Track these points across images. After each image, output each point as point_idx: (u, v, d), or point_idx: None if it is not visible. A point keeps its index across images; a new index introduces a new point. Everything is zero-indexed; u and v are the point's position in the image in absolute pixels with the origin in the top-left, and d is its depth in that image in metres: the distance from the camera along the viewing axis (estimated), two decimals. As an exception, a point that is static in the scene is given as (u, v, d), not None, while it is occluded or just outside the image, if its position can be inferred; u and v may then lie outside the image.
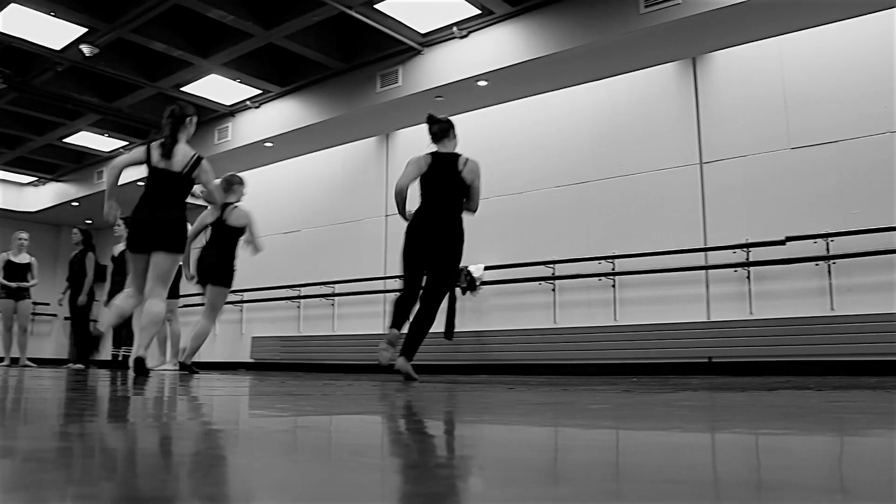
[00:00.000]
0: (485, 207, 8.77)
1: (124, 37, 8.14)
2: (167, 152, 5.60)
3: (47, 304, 14.98)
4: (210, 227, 7.30)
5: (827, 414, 2.15)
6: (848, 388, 3.63)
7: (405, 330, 5.37)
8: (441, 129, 5.54)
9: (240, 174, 7.69)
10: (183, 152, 5.64)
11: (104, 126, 11.15)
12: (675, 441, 1.49)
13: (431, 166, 5.41)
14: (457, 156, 5.46)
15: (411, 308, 5.39)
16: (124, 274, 9.23)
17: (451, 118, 5.69)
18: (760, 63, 7.12)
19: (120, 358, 9.31)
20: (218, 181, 6.63)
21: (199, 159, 5.68)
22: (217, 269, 7.19)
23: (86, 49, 8.18)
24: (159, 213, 5.51)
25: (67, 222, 14.95)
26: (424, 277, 5.46)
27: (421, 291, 5.44)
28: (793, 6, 6.27)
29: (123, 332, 9.35)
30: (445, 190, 5.39)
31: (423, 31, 7.96)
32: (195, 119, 5.89)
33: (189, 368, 7.40)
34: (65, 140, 11.78)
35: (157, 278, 5.53)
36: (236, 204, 7.34)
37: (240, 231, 7.24)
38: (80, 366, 9.86)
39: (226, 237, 7.19)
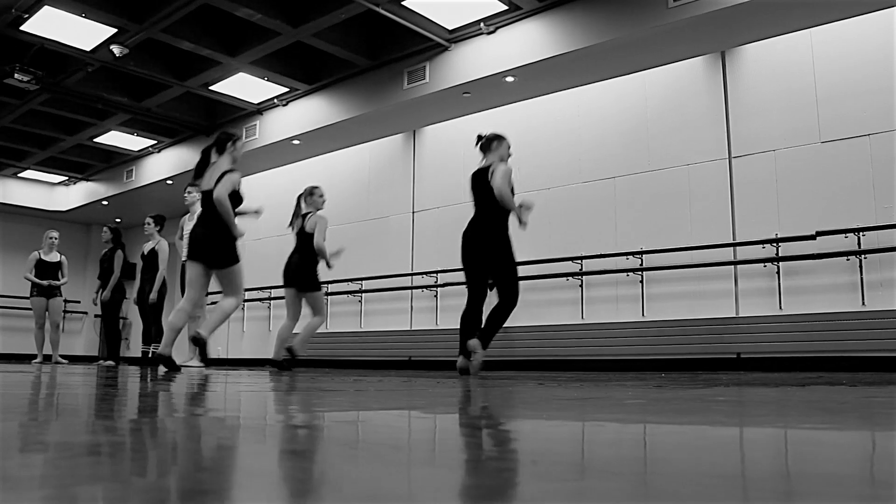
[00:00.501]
0: (511, 203, 8.79)
1: (153, 37, 8.22)
2: (199, 172, 6.15)
3: (78, 302, 15.20)
4: (295, 235, 7.54)
5: (866, 409, 2.14)
6: (881, 384, 3.60)
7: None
8: (481, 146, 5.83)
9: (317, 185, 7.78)
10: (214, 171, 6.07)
11: (133, 125, 11.28)
12: (718, 435, 1.49)
13: (470, 180, 5.78)
14: (488, 168, 5.64)
15: (477, 324, 5.64)
16: (154, 271, 9.37)
17: (496, 133, 5.92)
18: (790, 56, 7.05)
19: (150, 355, 9.40)
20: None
21: (223, 174, 5.97)
22: (300, 273, 7.43)
23: (116, 49, 8.27)
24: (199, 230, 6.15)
25: (97, 221, 15.13)
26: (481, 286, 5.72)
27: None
28: (823, -2, 6.21)
29: (153, 330, 9.44)
30: (479, 201, 5.67)
31: (450, 28, 7.97)
32: (239, 142, 6.33)
33: (284, 363, 7.56)
34: (95, 140, 11.93)
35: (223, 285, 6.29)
36: (315, 212, 7.48)
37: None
38: (110, 362, 9.98)
39: (306, 243, 7.37)
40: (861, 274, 6.37)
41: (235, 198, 6.01)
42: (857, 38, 6.68)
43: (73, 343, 15.30)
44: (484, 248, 5.58)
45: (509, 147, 5.80)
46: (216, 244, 6.03)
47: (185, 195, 8.80)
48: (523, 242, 8.60)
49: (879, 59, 6.54)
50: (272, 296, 11.52)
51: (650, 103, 7.89)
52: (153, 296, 9.19)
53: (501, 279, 5.64)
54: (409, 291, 9.56)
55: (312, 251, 7.32)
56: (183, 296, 8.53)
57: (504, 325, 5.78)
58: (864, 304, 6.33)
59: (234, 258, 6.14)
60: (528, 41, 7.61)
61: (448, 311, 9.01)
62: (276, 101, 10.15)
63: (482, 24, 7.81)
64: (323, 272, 7.49)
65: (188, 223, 8.72)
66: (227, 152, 6.17)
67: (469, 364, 5.49)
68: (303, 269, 7.40)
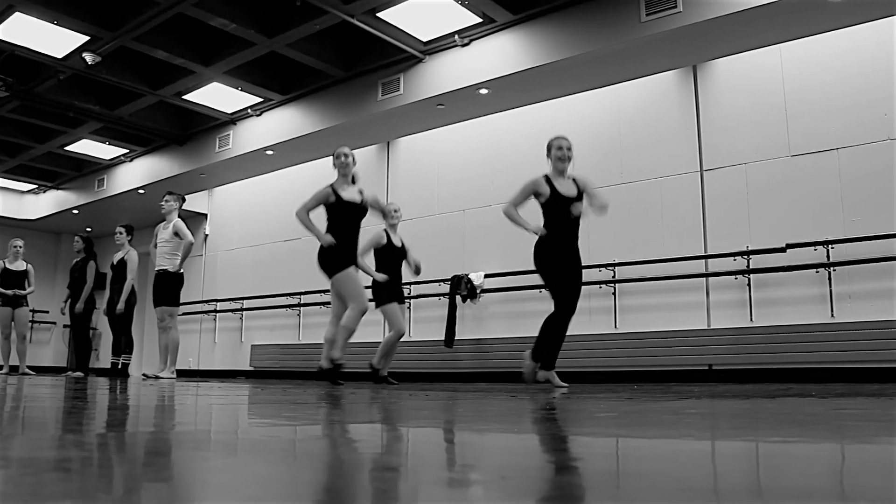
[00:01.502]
0: (485, 215, 8.82)
1: (126, 45, 8.15)
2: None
3: (46, 312, 14.97)
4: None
5: (835, 422, 2.15)
6: (850, 395, 3.64)
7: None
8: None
9: (393, 203, 7.70)
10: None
11: (105, 134, 11.16)
12: (689, 449, 1.49)
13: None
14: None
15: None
16: (122, 281, 9.25)
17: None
18: (761, 71, 7.14)
19: (119, 366, 9.28)
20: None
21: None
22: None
23: (88, 57, 8.19)
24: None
25: (68, 230, 14.94)
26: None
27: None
28: (793, 14, 6.29)
29: (123, 340, 9.33)
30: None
31: (424, 40, 7.98)
32: (338, 159, 6.51)
33: (385, 379, 7.30)
34: (66, 148, 11.78)
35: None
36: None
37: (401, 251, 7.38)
38: (79, 374, 9.84)
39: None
40: (830, 286, 6.45)
41: (337, 208, 6.22)
42: (825, 55, 6.78)
43: (42, 354, 15.06)
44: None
45: (548, 150, 5.91)
46: (319, 256, 6.26)
47: (162, 203, 8.73)
48: (497, 254, 8.65)
49: (848, 75, 6.65)
50: (244, 307, 11.46)
51: (623, 116, 7.95)
52: (120, 306, 9.09)
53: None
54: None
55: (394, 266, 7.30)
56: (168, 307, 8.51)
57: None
58: (833, 315, 6.40)
59: (332, 268, 6.16)
60: (503, 54, 7.64)
61: (420, 323, 8.99)
62: (249, 111, 10.10)
63: (457, 37, 7.83)
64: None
65: (162, 231, 8.65)
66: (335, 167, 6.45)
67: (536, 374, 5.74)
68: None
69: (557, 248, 5.61)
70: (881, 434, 1.75)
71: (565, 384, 5.58)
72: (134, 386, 5.59)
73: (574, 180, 5.77)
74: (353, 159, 6.53)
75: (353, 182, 6.51)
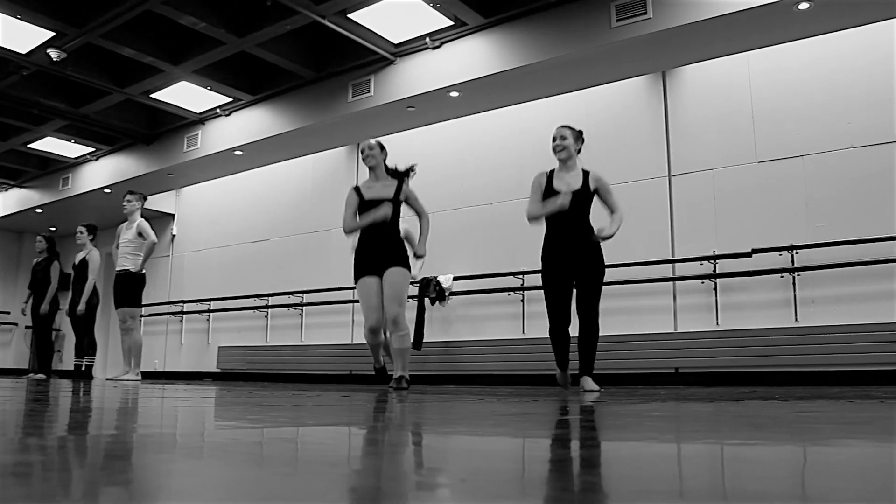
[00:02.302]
0: (454, 218, 8.83)
1: (93, 42, 8.04)
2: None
3: (8, 313, 14.73)
4: None
5: (795, 424, 2.18)
6: (812, 398, 3.69)
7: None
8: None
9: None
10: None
11: (71, 132, 11.00)
12: (651, 452, 1.50)
13: None
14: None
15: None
16: (84, 282, 9.11)
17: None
18: (728, 78, 7.23)
19: (83, 368, 9.16)
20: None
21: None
22: None
23: (53, 53, 8.07)
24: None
25: (31, 229, 14.71)
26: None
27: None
28: (760, 23, 6.37)
29: (85, 342, 9.21)
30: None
31: (395, 42, 7.97)
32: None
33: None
34: (30, 145, 11.60)
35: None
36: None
37: None
38: (41, 376, 9.70)
39: None
40: (794, 291, 6.54)
41: (363, 209, 5.82)
42: (791, 63, 6.88)
43: (2, 355, 14.82)
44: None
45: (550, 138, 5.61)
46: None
47: (125, 204, 8.63)
48: (465, 256, 8.67)
49: (813, 84, 6.75)
50: (211, 308, 11.36)
51: (592, 121, 7.98)
52: (81, 307, 8.97)
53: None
54: (351, 305, 9.50)
55: None
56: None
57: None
58: (797, 320, 6.49)
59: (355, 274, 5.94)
60: (473, 57, 7.66)
61: (390, 325, 8.97)
62: (218, 110, 10.02)
63: (428, 39, 7.83)
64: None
65: (125, 231, 8.55)
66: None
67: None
68: None
69: (550, 250, 5.29)
70: (839, 436, 1.78)
71: (596, 388, 5.22)
72: (97, 388, 5.52)
73: (586, 173, 5.38)
74: (380, 149, 5.99)
75: (391, 174, 5.98)
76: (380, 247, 5.75)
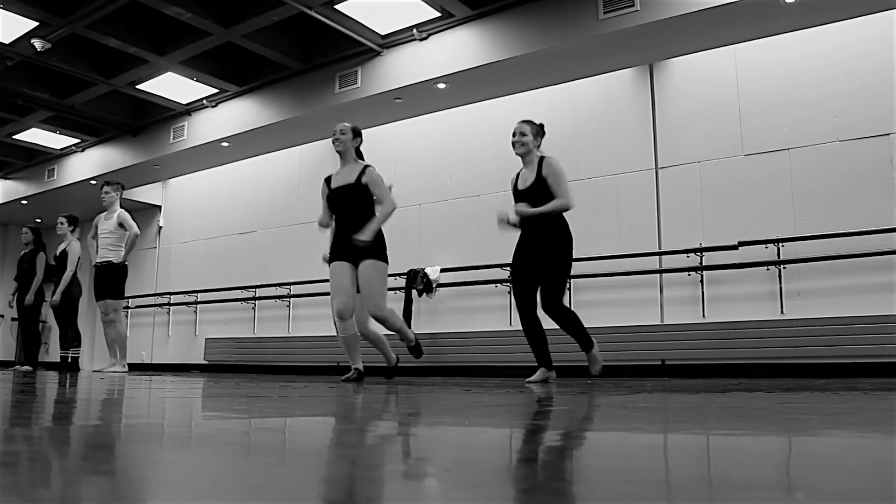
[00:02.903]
0: (441, 210, 8.83)
1: (78, 32, 7.98)
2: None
3: (-7, 305, 14.62)
4: None
5: (780, 415, 2.19)
6: (797, 389, 3.71)
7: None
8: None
9: None
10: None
11: (56, 123, 10.92)
12: (637, 442, 1.51)
13: None
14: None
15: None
16: (61, 273, 9.06)
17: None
18: (715, 71, 7.24)
19: (69, 360, 9.12)
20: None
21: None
22: None
23: (37, 44, 8.00)
24: None
25: (16, 221, 14.61)
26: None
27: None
28: (747, 16, 6.39)
29: (70, 334, 9.17)
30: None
31: (382, 33, 7.94)
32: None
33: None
34: (14, 137, 11.51)
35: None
36: None
37: None
38: (27, 368, 9.64)
39: None
40: (780, 283, 6.57)
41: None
42: (778, 56, 6.90)
43: (-12, 348, 14.73)
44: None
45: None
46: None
47: (103, 195, 8.58)
48: (453, 248, 8.67)
49: (799, 77, 6.78)
50: (198, 300, 11.32)
51: (580, 113, 8.00)
52: (56, 297, 8.92)
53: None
54: (339, 297, 9.46)
55: None
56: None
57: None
58: (782, 312, 6.53)
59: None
60: (461, 49, 7.64)
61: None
62: (205, 101, 9.96)
63: (415, 31, 7.81)
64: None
65: (104, 222, 8.50)
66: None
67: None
68: None
69: (517, 246, 5.35)
70: (824, 427, 1.79)
71: (599, 365, 5.47)
72: (84, 380, 5.49)
73: (540, 163, 5.29)
74: (353, 135, 5.78)
75: (357, 159, 5.81)
76: (352, 236, 5.51)
